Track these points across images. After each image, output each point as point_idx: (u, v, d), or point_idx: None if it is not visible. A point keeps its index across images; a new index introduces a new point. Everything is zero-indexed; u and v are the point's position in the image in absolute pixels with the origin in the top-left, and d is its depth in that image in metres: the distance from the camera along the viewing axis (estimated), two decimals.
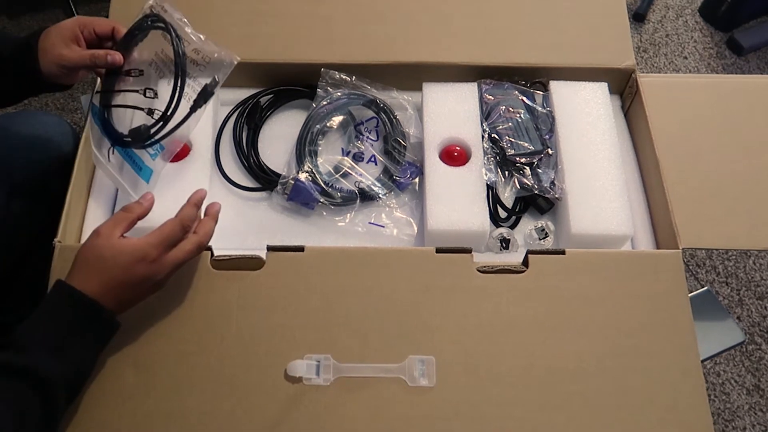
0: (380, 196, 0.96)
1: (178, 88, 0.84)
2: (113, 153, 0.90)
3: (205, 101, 0.88)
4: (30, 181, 1.06)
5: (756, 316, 1.61)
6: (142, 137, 0.87)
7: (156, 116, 0.86)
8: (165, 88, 0.87)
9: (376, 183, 0.97)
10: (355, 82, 1.02)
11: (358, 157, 1.01)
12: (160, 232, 0.74)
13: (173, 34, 0.85)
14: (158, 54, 0.89)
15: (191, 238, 0.76)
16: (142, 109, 0.88)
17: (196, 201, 0.80)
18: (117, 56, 0.86)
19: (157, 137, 0.87)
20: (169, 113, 0.85)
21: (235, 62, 0.89)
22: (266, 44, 1.03)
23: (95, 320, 0.71)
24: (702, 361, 0.94)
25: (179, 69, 0.84)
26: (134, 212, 0.77)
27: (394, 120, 1.01)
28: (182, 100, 0.85)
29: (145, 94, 0.88)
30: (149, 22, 0.88)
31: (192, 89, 0.87)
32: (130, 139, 0.88)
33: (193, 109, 0.88)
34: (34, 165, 1.07)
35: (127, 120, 0.91)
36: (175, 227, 0.75)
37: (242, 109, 1.04)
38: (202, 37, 0.88)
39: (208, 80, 0.88)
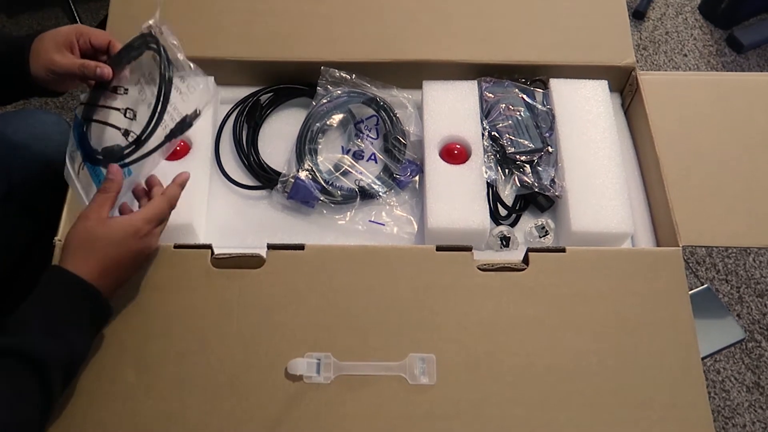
0: (380, 194, 0.96)
1: (157, 113, 0.81)
2: (83, 169, 0.86)
3: (182, 132, 0.86)
4: (29, 180, 1.06)
5: (756, 313, 1.61)
6: (114, 157, 0.83)
7: (130, 138, 0.82)
8: (145, 112, 0.83)
9: (376, 181, 0.97)
10: (355, 80, 1.02)
11: (358, 155, 1.01)
12: (150, 208, 0.78)
13: (164, 57, 0.82)
14: (146, 76, 0.86)
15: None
16: (119, 129, 0.84)
17: (180, 182, 0.83)
18: (106, 69, 0.84)
19: (126, 160, 0.83)
20: (143, 138, 0.82)
21: (216, 95, 0.88)
22: (266, 42, 1.03)
23: (89, 302, 0.72)
24: (702, 359, 0.95)
25: (161, 95, 0.81)
26: (112, 190, 0.78)
27: (394, 118, 1.01)
28: (159, 127, 0.82)
29: (125, 114, 0.85)
30: (143, 42, 0.85)
31: (170, 117, 0.84)
32: (101, 158, 0.84)
33: (168, 138, 0.85)
34: (33, 164, 1.07)
35: (104, 138, 0.87)
36: (163, 204, 0.79)
37: (242, 108, 1.04)
38: (191, 65, 0.85)
39: (189, 110, 0.85)
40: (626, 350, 0.81)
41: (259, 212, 0.98)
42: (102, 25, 1.04)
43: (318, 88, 1.01)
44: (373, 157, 1.01)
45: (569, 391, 0.79)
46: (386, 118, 1.01)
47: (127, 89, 0.86)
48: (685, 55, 2.04)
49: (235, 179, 0.99)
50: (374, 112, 1.02)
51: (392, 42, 1.04)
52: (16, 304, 1.18)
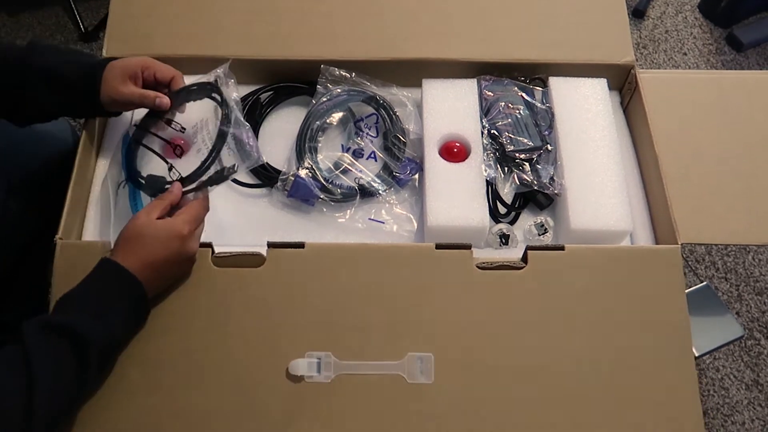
0: (380, 192, 0.97)
1: (205, 166, 0.88)
2: (123, 187, 0.94)
3: (218, 183, 0.89)
4: (29, 179, 1.06)
5: (755, 311, 1.61)
6: (155, 186, 0.90)
7: (173, 175, 0.89)
8: (191, 153, 0.92)
9: (376, 179, 0.97)
10: (355, 79, 1.02)
11: (357, 154, 1.01)
12: (190, 210, 0.83)
13: (225, 114, 0.89)
14: (202, 121, 0.94)
15: None
16: (166, 162, 0.90)
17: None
18: (165, 100, 0.91)
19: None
20: (187, 181, 0.88)
21: (262, 161, 0.92)
22: (266, 41, 1.03)
23: (131, 292, 0.76)
24: (701, 356, 0.95)
25: (214, 150, 0.88)
26: (167, 199, 0.84)
27: (393, 116, 1.01)
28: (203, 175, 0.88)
29: (174, 150, 0.93)
30: (208, 90, 0.92)
31: (214, 166, 0.89)
32: (143, 182, 0.92)
33: (206, 184, 0.88)
34: (34, 163, 1.08)
35: (148, 164, 0.95)
36: (200, 206, 0.84)
37: (242, 106, 1.04)
38: (247, 127, 0.91)
39: (229, 163, 0.90)
40: (621, 349, 0.81)
41: (259, 210, 0.98)
42: (102, 23, 1.04)
43: (318, 86, 1.01)
44: (372, 156, 1.01)
45: (566, 389, 0.79)
46: (386, 116, 1.01)
47: (184, 129, 0.94)
48: (685, 54, 2.04)
49: (236, 177, 0.99)
50: (374, 111, 1.02)
51: (392, 40, 1.04)
52: (16, 302, 1.19)
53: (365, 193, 0.96)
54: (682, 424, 0.78)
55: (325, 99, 1.01)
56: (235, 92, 0.93)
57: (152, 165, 0.94)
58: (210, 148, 0.89)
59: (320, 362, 0.78)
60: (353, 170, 0.99)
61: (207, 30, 1.04)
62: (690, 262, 1.67)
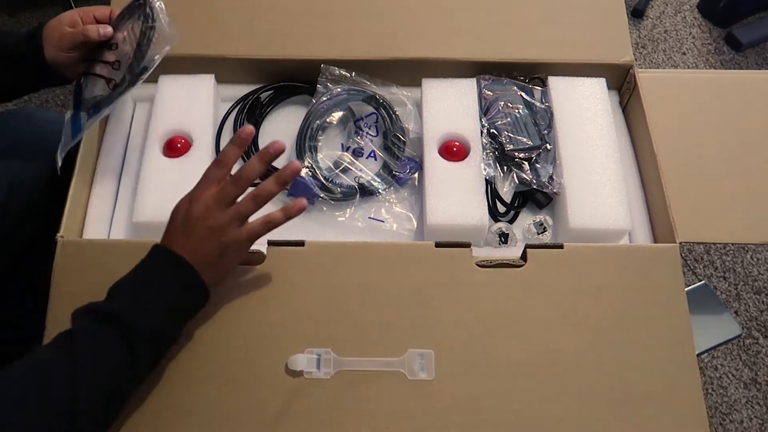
0: (380, 191, 0.97)
1: (135, 57, 0.89)
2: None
3: (140, 76, 0.90)
4: (29, 178, 1.07)
5: (753, 310, 1.62)
6: (97, 106, 0.92)
7: (111, 86, 0.91)
8: (124, 61, 0.91)
9: (376, 178, 0.98)
10: (355, 78, 1.02)
11: (357, 153, 1.01)
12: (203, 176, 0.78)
13: (148, 13, 0.90)
14: (132, 30, 0.93)
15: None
16: (107, 80, 0.92)
17: (236, 139, 0.78)
18: (108, 29, 0.92)
19: (101, 105, 0.91)
20: (119, 82, 0.90)
21: (176, 40, 0.91)
22: (266, 40, 1.03)
23: (182, 277, 0.74)
24: (699, 355, 0.95)
25: (141, 46, 0.89)
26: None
27: (393, 116, 1.01)
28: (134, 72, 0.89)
29: (113, 66, 0.93)
30: (136, 5, 0.92)
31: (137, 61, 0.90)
32: (87, 105, 0.93)
33: (132, 82, 0.90)
34: (34, 162, 1.08)
35: (95, 89, 0.95)
36: (210, 167, 0.78)
37: (243, 105, 1.05)
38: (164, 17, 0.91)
39: (160, 47, 0.90)
40: (623, 346, 0.81)
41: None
42: None
43: (318, 85, 1.01)
44: (372, 155, 1.01)
45: (566, 386, 0.79)
46: (386, 115, 1.01)
47: (116, 44, 0.94)
48: (684, 54, 2.05)
49: None
50: (374, 110, 1.03)
51: (392, 40, 1.04)
52: (17, 300, 1.19)
53: (365, 192, 0.97)
54: (686, 421, 0.78)
55: (325, 98, 1.01)
56: (157, 1, 0.91)
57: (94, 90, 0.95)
58: (134, 50, 0.90)
59: (320, 358, 0.79)
60: (353, 169, 0.99)
61: (207, 29, 1.04)
62: (689, 262, 1.68)
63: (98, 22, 0.94)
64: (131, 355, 0.69)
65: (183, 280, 0.74)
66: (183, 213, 0.76)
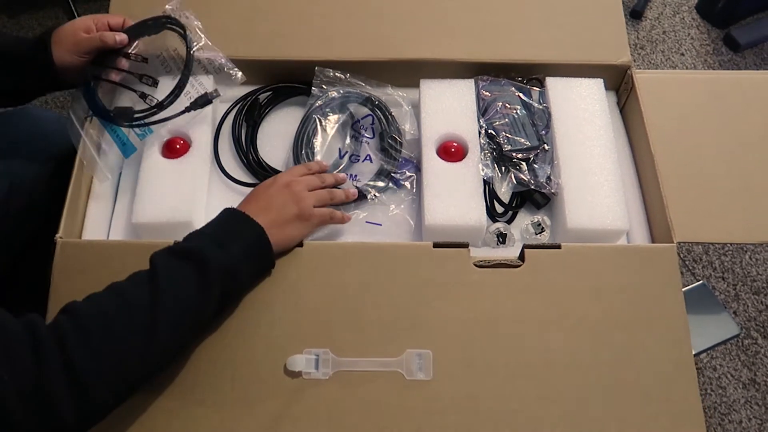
0: (377, 194, 0.97)
1: (180, 81, 0.94)
2: (90, 121, 0.97)
3: (202, 106, 0.96)
4: (29, 178, 1.07)
5: (752, 310, 1.62)
6: (127, 117, 0.94)
7: (149, 102, 0.94)
8: (166, 83, 0.97)
9: (373, 181, 0.98)
10: (350, 80, 1.02)
11: (354, 155, 1.01)
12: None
13: (188, 36, 0.95)
14: (169, 51, 1.00)
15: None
16: (135, 92, 0.96)
17: (337, 177, 0.96)
18: (124, 37, 0.95)
19: (146, 120, 0.94)
20: (165, 103, 0.94)
21: (243, 79, 0.99)
22: (265, 41, 1.03)
23: (251, 232, 0.80)
24: (698, 354, 0.96)
25: (188, 67, 0.94)
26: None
27: (389, 117, 1.01)
28: (182, 95, 0.94)
29: (141, 80, 0.97)
30: (165, 21, 0.97)
31: (195, 89, 0.97)
32: (113, 115, 0.95)
33: (189, 108, 0.96)
34: (34, 162, 1.08)
35: (115, 97, 1.00)
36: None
37: (241, 106, 1.05)
38: (221, 55, 0.99)
39: (211, 88, 0.97)
40: (620, 346, 0.81)
41: None
42: None
43: (313, 88, 1.02)
44: (369, 157, 1.01)
45: (564, 385, 0.79)
46: (382, 117, 1.01)
47: (146, 58, 0.98)
48: (683, 54, 2.05)
49: (235, 177, 1.00)
50: (369, 112, 1.03)
51: (390, 41, 1.04)
52: (16, 301, 1.19)
53: (362, 195, 0.97)
54: (683, 421, 0.79)
55: (320, 102, 1.01)
56: (196, 21, 0.98)
57: (118, 99, 1.00)
58: (182, 69, 0.94)
59: (318, 359, 0.79)
60: (350, 173, 0.99)
61: (206, 31, 1.04)
62: (687, 262, 1.68)
63: (112, 30, 0.97)
64: (206, 287, 0.74)
65: (254, 234, 0.80)
66: (270, 180, 0.89)
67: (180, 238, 0.84)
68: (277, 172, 0.99)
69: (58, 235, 0.86)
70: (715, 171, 0.97)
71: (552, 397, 0.79)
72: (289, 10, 1.07)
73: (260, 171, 1.00)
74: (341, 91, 1.02)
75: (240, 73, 0.99)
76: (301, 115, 1.02)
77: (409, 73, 1.03)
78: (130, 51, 0.97)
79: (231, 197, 0.99)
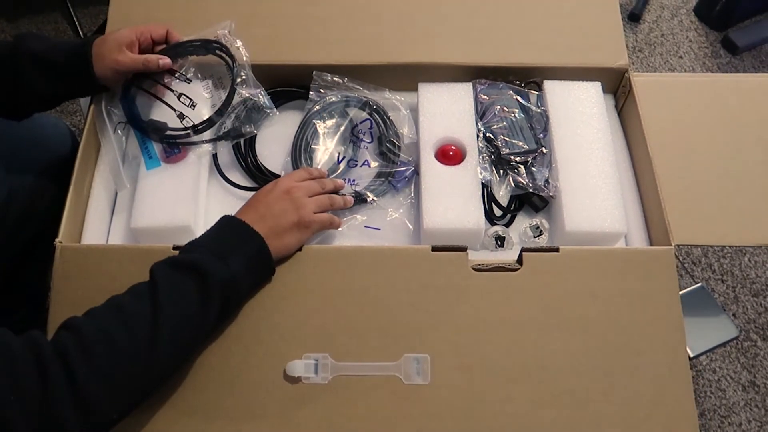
0: (375, 198, 0.97)
1: (221, 114, 0.97)
2: (122, 130, 0.99)
3: (234, 139, 1.00)
4: (29, 183, 1.07)
5: (752, 312, 1.62)
6: (160, 132, 0.96)
7: (186, 123, 0.96)
8: (203, 105, 0.99)
9: (372, 185, 0.98)
10: (348, 84, 1.03)
11: (353, 160, 1.01)
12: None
13: (236, 69, 0.98)
14: (213, 77, 1.02)
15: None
16: (173, 110, 0.98)
17: (337, 183, 0.95)
18: (167, 61, 0.96)
19: (179, 140, 0.96)
20: (200, 128, 0.96)
21: (275, 114, 1.02)
22: (263, 46, 1.04)
23: (250, 241, 0.80)
24: (696, 357, 0.96)
25: (228, 99, 0.97)
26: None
27: (387, 121, 1.02)
28: (217, 123, 0.98)
29: (179, 98, 0.98)
30: (215, 47, 1.00)
31: (229, 119, 1.00)
32: (146, 127, 0.97)
33: (221, 138, 0.99)
34: (33, 166, 1.08)
35: (151, 110, 1.00)
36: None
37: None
38: (262, 92, 1.01)
39: (246, 124, 1.00)
40: (616, 349, 0.82)
41: None
42: (101, 29, 1.06)
43: (311, 92, 1.02)
44: (367, 162, 1.02)
45: (561, 389, 0.80)
46: (380, 120, 1.02)
47: (190, 79, 1.00)
48: (681, 57, 2.06)
49: (234, 181, 1.00)
50: (368, 116, 1.03)
51: (389, 45, 1.05)
52: (16, 305, 1.19)
53: (361, 199, 0.97)
54: (677, 425, 0.79)
55: (318, 107, 1.01)
56: (245, 53, 1.00)
57: (153, 111, 1.00)
58: (223, 101, 0.97)
59: (317, 363, 0.79)
60: (349, 177, 0.99)
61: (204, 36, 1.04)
62: (687, 265, 1.68)
63: (155, 42, 0.98)
64: (206, 302, 0.74)
65: (254, 244, 0.80)
66: (270, 186, 0.88)
67: (179, 242, 0.85)
68: (276, 176, 0.99)
69: (57, 240, 0.86)
70: (712, 173, 0.97)
71: (550, 402, 0.79)
72: (286, 14, 1.07)
73: (259, 175, 1.00)
74: (339, 96, 1.02)
75: (276, 111, 1.01)
76: (299, 119, 1.02)
77: (407, 76, 1.04)
78: (176, 68, 0.99)
79: (230, 201, 1.00)
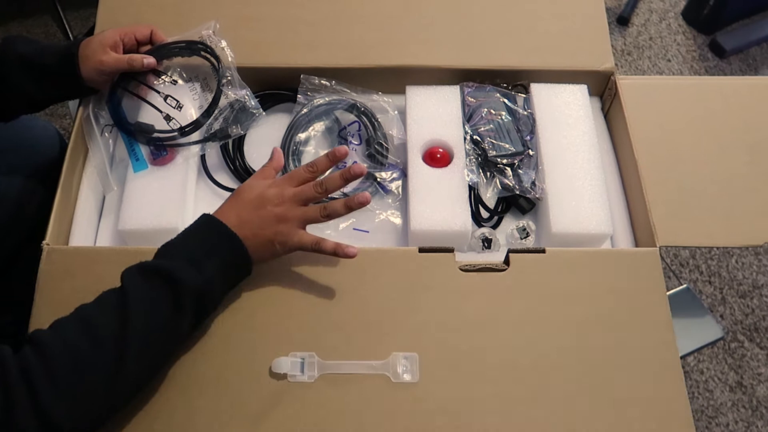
0: None
1: (208, 116, 0.97)
2: (108, 133, 0.99)
3: (221, 140, 0.99)
4: (16, 186, 1.07)
5: (739, 314, 1.63)
6: (147, 135, 0.96)
7: (172, 125, 0.96)
8: (189, 106, 0.99)
9: (360, 187, 0.98)
10: (335, 87, 1.03)
11: (341, 163, 1.01)
12: (299, 181, 0.83)
13: (221, 70, 0.97)
14: (198, 77, 1.02)
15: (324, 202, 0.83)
16: (160, 111, 0.97)
17: (331, 155, 0.84)
18: (151, 60, 0.95)
19: (166, 142, 0.96)
20: (187, 130, 0.96)
21: (262, 115, 1.01)
22: (251, 48, 1.04)
23: (228, 244, 0.77)
24: (682, 357, 0.96)
25: (215, 101, 0.96)
26: (270, 165, 0.86)
27: (375, 123, 1.02)
28: (203, 125, 0.97)
29: (166, 100, 0.98)
30: (201, 48, 0.99)
31: (216, 121, 0.99)
32: (133, 130, 0.97)
33: (207, 139, 0.98)
34: (21, 169, 1.08)
35: (138, 112, 0.99)
36: (300, 168, 0.84)
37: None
38: (248, 92, 1.00)
39: (233, 125, 0.99)
40: (605, 349, 0.82)
41: None
42: (91, 33, 1.06)
43: (298, 96, 1.02)
44: (356, 164, 1.02)
45: (549, 388, 0.80)
46: (368, 123, 1.02)
47: (176, 80, 1.00)
48: (669, 60, 2.07)
49: (222, 183, 1.00)
50: (356, 118, 1.03)
51: (376, 48, 1.05)
52: (3, 310, 1.19)
53: None
54: (672, 423, 0.79)
55: (305, 110, 1.02)
56: (230, 54, 0.99)
57: (140, 113, 0.99)
58: (209, 102, 0.96)
59: (304, 362, 0.79)
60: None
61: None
62: (674, 267, 1.69)
63: (139, 43, 0.98)
64: (178, 311, 0.72)
65: (232, 248, 0.77)
66: (257, 190, 0.81)
67: None
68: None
69: (45, 242, 0.86)
70: (697, 175, 0.98)
71: (538, 400, 0.80)
72: (274, 17, 1.07)
73: (247, 177, 1.00)
74: (327, 99, 1.02)
75: (263, 113, 1.00)
76: (287, 121, 1.03)
77: (395, 79, 1.04)
78: (161, 69, 0.99)
79: (218, 204, 0.97)
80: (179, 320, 0.73)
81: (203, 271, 0.74)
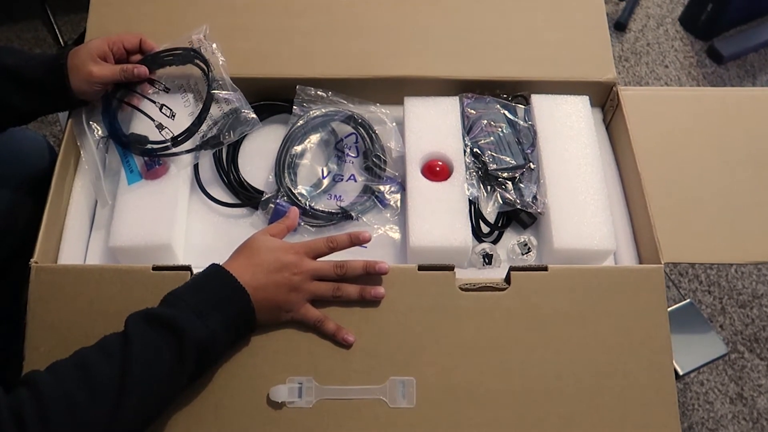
0: (361, 214, 0.95)
1: (199, 123, 0.94)
2: (104, 144, 0.97)
3: (213, 147, 0.97)
4: (5, 199, 1.04)
5: (738, 324, 1.61)
6: (141, 146, 0.94)
7: (165, 135, 0.93)
8: (181, 114, 0.96)
9: (358, 201, 0.96)
10: (332, 98, 1.01)
11: (338, 176, 1.00)
12: (307, 241, 0.83)
13: (211, 76, 0.94)
14: (189, 84, 0.99)
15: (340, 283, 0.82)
16: (153, 120, 0.94)
17: (354, 237, 0.84)
18: (143, 70, 0.92)
19: (158, 153, 0.93)
20: (180, 139, 0.93)
21: (258, 124, 0.98)
22: (246, 59, 1.02)
23: (237, 300, 0.76)
24: (686, 374, 0.95)
25: (206, 108, 0.94)
26: (284, 223, 0.85)
27: (373, 135, 1.00)
28: (196, 133, 0.95)
29: (161, 110, 0.95)
30: (192, 55, 0.96)
31: (209, 128, 0.97)
32: (126, 141, 0.94)
33: (200, 147, 0.96)
34: (10, 182, 1.06)
35: (132, 123, 0.97)
36: (320, 240, 0.83)
37: (222, 124, 1.03)
38: (239, 96, 0.97)
39: (226, 131, 0.97)
40: (603, 371, 0.81)
41: (239, 231, 0.96)
42: (81, 38, 1.04)
43: (294, 107, 1.00)
44: (353, 177, 1.00)
45: (546, 412, 0.79)
46: (365, 135, 1.00)
47: (169, 88, 0.97)
48: (666, 66, 2.06)
49: (216, 198, 0.98)
50: (353, 130, 1.01)
51: (374, 58, 1.03)
52: None
53: (347, 215, 0.95)
54: None
55: (301, 122, 0.99)
56: (221, 57, 0.97)
57: (133, 123, 0.97)
58: (201, 109, 0.94)
59: (301, 387, 0.78)
60: (334, 193, 0.98)
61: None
62: (673, 276, 1.68)
63: (128, 52, 0.95)
64: (179, 362, 0.70)
65: (241, 305, 0.76)
66: (275, 253, 0.79)
67: (159, 262, 0.83)
68: (258, 191, 0.97)
69: (33, 260, 0.83)
70: (701, 189, 0.96)
71: (537, 425, 0.78)
72: (270, 27, 1.05)
73: (241, 191, 0.98)
74: (323, 110, 1.00)
75: (255, 117, 0.97)
76: (283, 133, 1.01)
77: (393, 90, 1.02)
78: (154, 78, 0.96)
79: (212, 219, 0.98)
80: (180, 371, 0.71)
81: (209, 323, 0.72)
